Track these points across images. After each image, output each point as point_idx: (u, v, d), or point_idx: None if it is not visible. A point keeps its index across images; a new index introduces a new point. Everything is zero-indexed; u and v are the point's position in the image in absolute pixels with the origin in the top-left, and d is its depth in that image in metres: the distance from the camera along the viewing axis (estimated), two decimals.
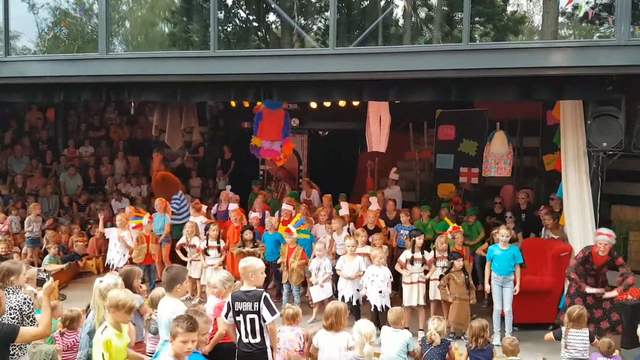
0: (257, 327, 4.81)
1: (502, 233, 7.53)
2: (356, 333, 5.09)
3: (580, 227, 7.45)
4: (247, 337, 4.82)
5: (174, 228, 9.98)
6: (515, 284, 7.37)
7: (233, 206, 9.83)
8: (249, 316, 4.80)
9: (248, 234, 8.68)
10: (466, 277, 7.58)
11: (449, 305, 7.58)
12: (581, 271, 6.81)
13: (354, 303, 7.71)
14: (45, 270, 9.29)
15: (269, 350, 4.87)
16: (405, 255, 7.76)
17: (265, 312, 4.78)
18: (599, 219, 7.48)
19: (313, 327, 5.65)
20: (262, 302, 4.79)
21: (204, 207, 10.45)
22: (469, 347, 5.89)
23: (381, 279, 7.43)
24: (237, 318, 4.87)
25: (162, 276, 5.12)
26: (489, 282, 7.54)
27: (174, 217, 10.24)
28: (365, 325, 4.95)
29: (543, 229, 8.75)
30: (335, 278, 8.08)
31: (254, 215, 9.90)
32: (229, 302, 4.94)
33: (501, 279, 7.41)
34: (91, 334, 4.73)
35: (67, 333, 5.67)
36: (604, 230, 6.79)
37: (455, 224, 8.39)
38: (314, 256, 8.20)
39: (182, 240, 9.11)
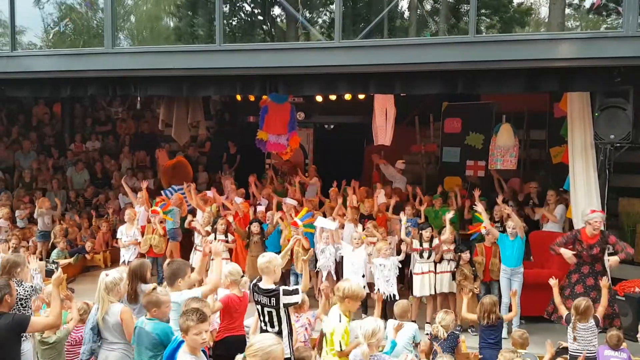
0: (275, 319, 4.87)
1: (510, 225, 7.51)
2: (358, 330, 5.06)
3: None
4: (265, 325, 4.90)
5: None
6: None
7: (238, 199, 9.85)
8: (266, 309, 4.87)
9: (255, 227, 8.71)
10: (473, 269, 7.59)
11: (455, 297, 7.59)
12: (576, 256, 6.86)
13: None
14: (53, 262, 9.39)
15: (285, 339, 4.90)
16: (415, 245, 7.78)
17: (290, 300, 4.81)
18: (606, 211, 7.45)
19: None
20: (281, 297, 4.80)
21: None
22: (480, 324, 5.95)
23: (388, 268, 7.45)
24: (257, 307, 4.96)
25: (164, 270, 5.13)
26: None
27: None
28: (367, 323, 4.78)
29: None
30: (339, 271, 8.10)
31: (260, 209, 9.93)
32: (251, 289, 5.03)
33: (510, 271, 7.41)
34: (94, 329, 4.78)
35: (77, 326, 5.71)
36: (596, 208, 6.89)
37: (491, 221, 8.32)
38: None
39: (197, 224, 9.11)
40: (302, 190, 10.75)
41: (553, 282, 6.39)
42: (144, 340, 4.38)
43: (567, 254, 6.83)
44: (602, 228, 6.87)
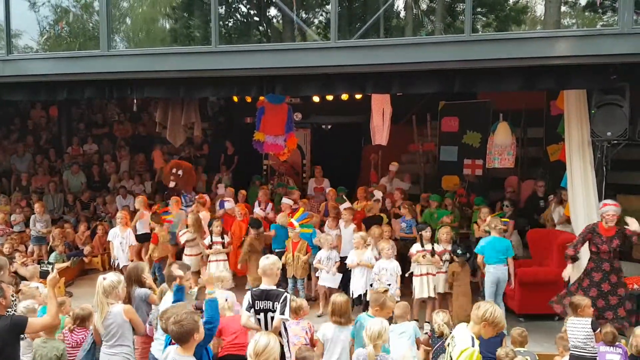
0: None
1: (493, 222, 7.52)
2: (364, 332, 5.04)
3: (586, 217, 7.42)
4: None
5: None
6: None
7: (229, 203, 9.84)
8: (269, 314, 4.85)
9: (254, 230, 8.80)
10: (470, 269, 7.62)
11: (455, 296, 7.60)
12: (594, 253, 6.81)
13: (364, 299, 7.72)
14: (49, 263, 9.36)
15: (286, 346, 4.90)
16: (416, 247, 7.79)
17: (278, 308, 4.84)
18: None
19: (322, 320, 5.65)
20: (280, 300, 4.83)
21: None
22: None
23: (390, 272, 7.45)
24: (258, 316, 4.90)
25: (165, 272, 5.13)
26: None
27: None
28: (373, 324, 4.76)
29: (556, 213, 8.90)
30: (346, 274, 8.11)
31: (257, 210, 9.92)
32: (249, 299, 4.98)
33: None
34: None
35: (76, 330, 5.71)
36: (608, 201, 6.81)
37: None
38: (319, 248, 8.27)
39: (188, 236, 9.10)
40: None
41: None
42: (361, 332, 4.57)
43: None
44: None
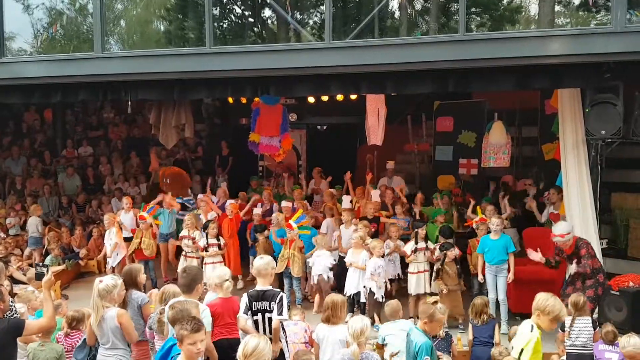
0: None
1: (494, 222, 7.55)
2: (346, 330, 4.98)
3: (581, 215, 7.44)
4: (265, 334, 4.83)
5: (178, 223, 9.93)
6: (509, 272, 7.43)
7: (230, 202, 9.84)
8: (267, 315, 4.87)
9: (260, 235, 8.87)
10: (458, 267, 7.65)
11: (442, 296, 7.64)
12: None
13: (362, 299, 7.71)
14: (44, 265, 9.32)
15: (284, 347, 4.89)
16: (410, 247, 7.80)
17: (275, 309, 4.85)
18: (599, 207, 7.49)
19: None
20: (277, 300, 4.86)
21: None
22: (473, 324, 5.99)
23: (374, 270, 7.47)
24: (255, 317, 4.91)
25: (180, 278, 5.06)
26: (483, 273, 7.57)
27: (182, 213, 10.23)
28: (354, 322, 4.75)
29: (545, 211, 8.90)
30: (341, 272, 8.10)
31: (256, 211, 9.90)
32: (246, 301, 4.97)
33: (494, 268, 7.46)
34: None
35: (71, 334, 5.69)
36: (556, 230, 6.77)
37: (483, 215, 8.33)
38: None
39: (184, 232, 9.09)
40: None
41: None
42: (409, 346, 4.48)
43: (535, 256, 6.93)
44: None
